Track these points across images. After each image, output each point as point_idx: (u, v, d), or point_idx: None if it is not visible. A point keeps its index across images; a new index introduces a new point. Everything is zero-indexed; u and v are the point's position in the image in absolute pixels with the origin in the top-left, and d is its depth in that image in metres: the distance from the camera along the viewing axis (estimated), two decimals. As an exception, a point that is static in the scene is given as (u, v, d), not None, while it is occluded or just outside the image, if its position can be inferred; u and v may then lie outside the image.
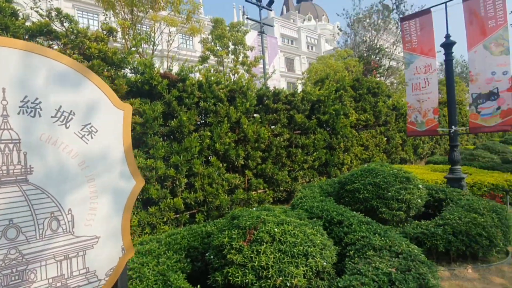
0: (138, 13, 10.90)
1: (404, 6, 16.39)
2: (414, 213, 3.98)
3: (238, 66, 12.46)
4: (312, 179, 6.70)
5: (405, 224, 3.84)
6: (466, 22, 5.11)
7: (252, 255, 2.32)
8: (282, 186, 5.99)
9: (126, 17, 10.87)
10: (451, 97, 5.25)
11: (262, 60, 14.13)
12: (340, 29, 22.21)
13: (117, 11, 10.71)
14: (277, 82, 18.39)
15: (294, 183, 6.24)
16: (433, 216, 3.87)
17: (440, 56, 6.07)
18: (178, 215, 4.46)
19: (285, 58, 43.90)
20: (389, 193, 3.86)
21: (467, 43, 5.14)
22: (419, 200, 3.91)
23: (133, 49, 4.12)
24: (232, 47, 12.90)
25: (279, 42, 44.36)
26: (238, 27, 12.51)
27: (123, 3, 10.63)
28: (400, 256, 2.35)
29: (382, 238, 2.68)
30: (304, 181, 6.54)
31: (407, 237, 3.31)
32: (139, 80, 4.25)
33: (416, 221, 3.73)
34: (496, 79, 4.87)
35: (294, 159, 6.26)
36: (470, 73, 5.14)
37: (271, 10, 15.48)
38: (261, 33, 14.20)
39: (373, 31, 18.12)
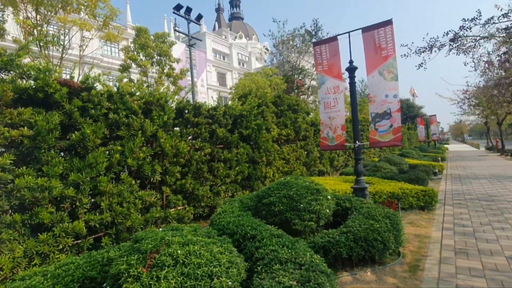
0: (46, 13, 9.71)
1: (321, 33, 18.18)
2: (323, 222, 4.25)
3: (163, 77, 12.01)
4: (235, 193, 6.69)
5: (315, 234, 4.06)
6: (365, 50, 5.86)
7: (151, 282, 2.12)
8: (204, 201, 5.82)
9: (30, 15, 9.58)
10: (355, 115, 5.89)
11: (190, 73, 13.93)
12: (266, 49, 23.43)
13: (19, 8, 9.36)
14: (205, 95, 18.31)
15: (217, 198, 6.14)
16: (341, 224, 4.19)
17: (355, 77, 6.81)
18: (79, 241, 3.92)
19: (217, 72, 44.28)
20: (302, 205, 4.06)
21: (366, 69, 5.88)
22: (327, 210, 4.19)
23: (21, 51, 3.56)
24: (157, 57, 12.42)
25: (211, 57, 44.66)
26: (163, 38, 12.12)
27: (26, 0, 9.35)
28: (303, 267, 2.43)
29: (289, 251, 2.75)
30: (227, 195, 6.48)
31: (315, 247, 3.48)
32: (31, 87, 3.68)
33: (325, 230, 3.98)
34: (388, 101, 5.64)
35: (216, 174, 6.18)
36: (370, 95, 5.86)
37: (199, 25, 15.50)
38: (190, 46, 14.04)
39: (296, 53, 19.56)
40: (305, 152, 9.71)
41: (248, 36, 62.60)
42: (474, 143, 54.85)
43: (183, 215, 5.35)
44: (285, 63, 19.86)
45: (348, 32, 6.02)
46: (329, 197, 4.38)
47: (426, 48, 7.99)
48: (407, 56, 8.37)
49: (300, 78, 19.81)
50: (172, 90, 12.64)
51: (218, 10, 75.24)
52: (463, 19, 7.20)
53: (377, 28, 5.63)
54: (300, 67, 19.50)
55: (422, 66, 8.57)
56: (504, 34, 6.91)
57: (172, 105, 5.43)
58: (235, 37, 56.55)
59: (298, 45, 18.83)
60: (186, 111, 5.60)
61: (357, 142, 5.75)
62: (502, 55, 11.37)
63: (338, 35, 6.17)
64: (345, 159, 13.25)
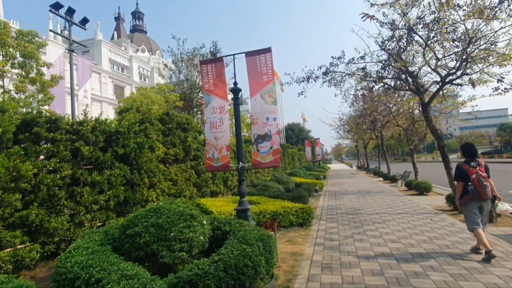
0: None
1: (219, 55, 18.61)
2: (197, 251, 3.91)
3: (26, 83, 9.90)
4: (108, 221, 5.73)
5: (185, 265, 3.68)
6: (248, 74, 6.04)
7: None
8: (59, 235, 4.73)
9: None
10: (239, 136, 5.92)
11: (70, 81, 11.96)
12: (165, 65, 22.55)
13: None
14: (89, 107, 16.06)
15: (78, 229, 5.10)
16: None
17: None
18: None
19: (114, 85, 40.27)
20: (172, 234, 3.63)
21: (250, 91, 6.06)
22: (202, 237, 3.89)
23: None
24: (20, 59, 10.23)
25: (108, 68, 40.37)
26: (29, 36, 10.11)
27: None
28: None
29: (137, 296, 2.29)
30: (94, 225, 5.48)
31: (180, 282, 3.10)
32: None
33: (196, 260, 3.64)
34: (269, 124, 5.89)
35: (79, 200, 5.17)
36: (253, 117, 6.02)
37: (84, 29, 13.66)
38: (70, 51, 12.15)
39: (196, 72, 19.38)
40: (196, 173, 9.33)
41: (152, 51, 59.70)
42: (349, 163, 65.12)
43: (24, 256, 4.18)
44: (184, 81, 19.45)
45: (233, 55, 6.13)
46: (204, 222, 4.10)
47: (305, 78, 8.95)
48: (290, 84, 9.19)
49: (200, 97, 19.66)
50: (39, 98, 10.54)
51: (118, 19, 69.53)
52: (332, 57, 8.43)
53: (259, 54, 5.90)
54: (200, 86, 19.43)
55: (302, 94, 9.51)
56: (362, 73, 8.35)
57: (15, 116, 4.31)
58: (137, 50, 53.17)
59: (198, 64, 18.75)
60: (36, 125, 4.53)
61: (240, 163, 5.75)
62: (362, 91, 13.84)
63: (224, 56, 6.22)
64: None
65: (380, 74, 8.18)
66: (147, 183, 6.84)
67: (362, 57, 8.53)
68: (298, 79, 8.99)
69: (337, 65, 8.58)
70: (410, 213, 8.26)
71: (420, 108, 9.62)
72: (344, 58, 8.41)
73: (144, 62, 48.87)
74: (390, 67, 8.35)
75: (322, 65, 8.75)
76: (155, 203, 4.76)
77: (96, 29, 40.57)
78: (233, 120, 6.57)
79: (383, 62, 7.99)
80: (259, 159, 5.82)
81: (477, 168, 4.52)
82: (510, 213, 6.31)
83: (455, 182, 4.99)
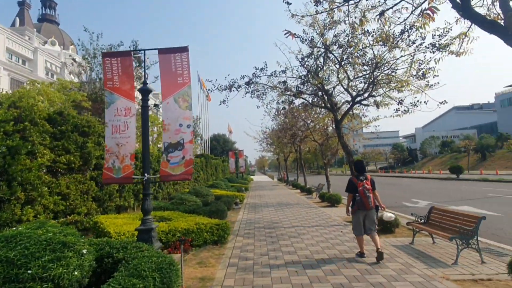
0: None
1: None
2: (71, 290, 3.00)
3: None
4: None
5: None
6: (161, 74, 5.34)
7: None
8: None
9: None
10: (146, 144, 5.12)
11: None
12: (74, 59, 19.72)
13: None
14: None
15: None
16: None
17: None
18: None
19: (11, 78, 33.66)
20: (30, 271, 2.67)
21: (162, 93, 5.35)
22: (77, 273, 2.99)
23: None
24: None
25: (3, 58, 33.43)
26: None
27: None
28: None
29: None
30: None
31: None
32: None
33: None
34: (182, 131, 5.26)
35: None
36: (163, 122, 5.31)
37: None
38: None
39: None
40: (98, 185, 7.96)
41: (64, 45, 52.27)
42: (271, 175, 67.65)
43: None
44: (96, 80, 17.17)
45: (144, 50, 5.36)
46: (84, 251, 3.20)
47: (227, 87, 8.62)
48: (211, 91, 8.73)
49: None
50: None
51: (23, 4, 59.23)
52: (255, 67, 8.33)
53: (174, 53, 5.27)
54: None
55: (224, 103, 9.14)
56: (283, 87, 8.45)
57: None
58: (45, 42, 45.94)
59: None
60: None
61: (146, 174, 4.94)
62: (283, 104, 14.34)
63: (132, 51, 5.41)
64: (153, 190, 12.20)
65: (299, 89, 8.39)
66: (22, 199, 5.39)
67: (284, 71, 8.66)
68: (220, 86, 8.61)
69: (260, 77, 8.51)
70: (323, 225, 8.51)
71: (334, 125, 10.25)
72: (266, 70, 8.40)
73: (52, 57, 42.46)
74: (309, 83, 8.66)
75: (245, 75, 8.57)
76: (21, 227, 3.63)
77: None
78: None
79: (302, 78, 8.24)
80: (168, 170, 5.10)
81: (364, 182, 5.22)
82: (394, 219, 7.23)
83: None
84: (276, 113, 15.75)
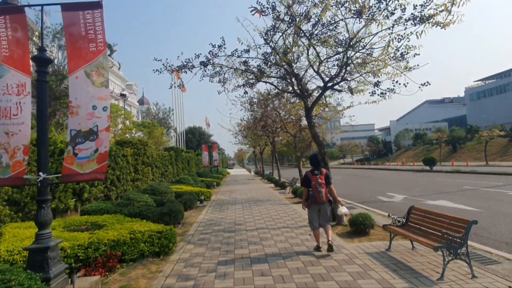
0: None
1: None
2: None
3: None
4: None
5: None
6: (66, 39, 3.99)
7: None
8: None
9: None
10: (43, 131, 3.79)
11: None
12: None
13: None
14: None
15: None
16: None
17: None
18: None
19: None
20: None
21: (68, 66, 4.01)
22: None
23: None
24: None
25: None
26: None
27: None
28: None
29: None
30: None
31: None
32: None
33: None
34: (97, 115, 3.97)
35: None
36: (70, 103, 3.97)
37: None
38: None
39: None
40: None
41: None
42: (248, 168, 66.74)
43: None
44: None
45: (42, 5, 3.98)
46: None
47: (179, 67, 7.31)
48: (160, 72, 7.37)
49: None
50: None
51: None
52: (211, 44, 7.06)
53: (83, 9, 3.93)
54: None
55: (175, 86, 7.84)
56: (243, 67, 7.25)
57: None
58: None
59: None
60: None
61: (41, 173, 3.63)
62: (243, 88, 13.16)
63: (27, 5, 4.00)
64: (104, 188, 10.70)
65: (261, 69, 7.21)
66: None
67: (247, 51, 7.43)
68: (170, 67, 7.27)
69: (217, 55, 7.24)
70: (291, 227, 7.50)
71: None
72: (225, 48, 7.14)
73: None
74: (274, 65, 7.51)
75: (200, 54, 7.28)
76: None
77: None
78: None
79: (265, 56, 7.05)
80: (74, 167, 3.80)
81: (318, 176, 5.26)
82: (345, 214, 7.16)
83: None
84: (247, 102, 14.54)
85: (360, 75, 7.25)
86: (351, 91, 8.06)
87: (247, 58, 7.27)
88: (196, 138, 50.44)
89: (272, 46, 6.95)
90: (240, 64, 7.33)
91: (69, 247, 4.44)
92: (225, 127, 40.71)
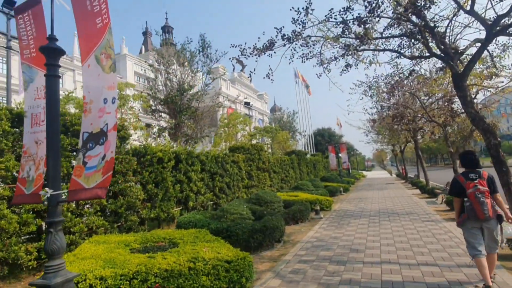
0: None
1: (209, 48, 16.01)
2: None
3: None
4: None
5: None
6: (76, 18, 3.20)
7: None
8: None
9: None
10: (54, 137, 3.06)
11: (6, 84, 10.18)
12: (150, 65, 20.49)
13: None
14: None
15: None
16: None
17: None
18: None
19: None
20: None
21: (81, 53, 3.20)
22: None
23: None
24: None
25: (133, 80, 40.26)
26: None
27: None
28: None
29: None
30: None
31: None
32: None
33: None
34: (107, 110, 2.97)
35: None
36: (84, 99, 3.14)
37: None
38: (8, 48, 10.40)
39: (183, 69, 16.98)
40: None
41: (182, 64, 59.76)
42: (389, 170, 58.65)
43: None
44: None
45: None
46: None
47: (263, 48, 5.84)
48: (247, 57, 6.09)
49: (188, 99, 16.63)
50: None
51: (145, 33, 71.45)
52: (293, 8, 5.23)
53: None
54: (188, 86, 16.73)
55: (268, 77, 6.43)
56: (340, 25, 5.04)
57: None
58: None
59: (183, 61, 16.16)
60: None
61: (47, 189, 2.87)
62: (390, 80, 10.19)
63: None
64: (213, 196, 10.46)
65: (366, 22, 4.71)
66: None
67: (347, 9, 5.19)
68: (254, 50, 5.91)
69: (305, 26, 5.35)
70: (441, 264, 4.67)
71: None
72: (312, 12, 5.16)
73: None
74: (393, 17, 4.94)
75: (283, 27, 5.60)
76: None
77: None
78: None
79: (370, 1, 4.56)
80: (81, 181, 2.89)
81: (476, 181, 3.80)
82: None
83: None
84: (374, 85, 11.50)
85: None
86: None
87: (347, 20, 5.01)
88: (326, 140, 48.17)
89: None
90: (336, 24, 5.16)
91: (111, 277, 3.63)
92: (354, 125, 36.68)
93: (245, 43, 6.02)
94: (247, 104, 25.17)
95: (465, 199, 3.84)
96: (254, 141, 21.89)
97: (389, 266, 4.82)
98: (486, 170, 3.96)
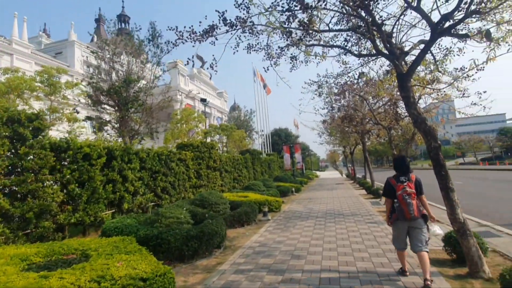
0: None
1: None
2: None
3: None
4: None
5: None
6: None
7: None
8: None
9: None
10: None
11: None
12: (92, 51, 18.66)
13: None
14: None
15: None
16: None
17: None
18: None
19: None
20: None
21: None
22: None
23: None
24: None
25: (81, 70, 36.69)
26: None
27: None
28: None
29: None
30: None
31: None
32: None
33: None
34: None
35: None
36: None
37: None
38: None
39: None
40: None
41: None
42: (340, 170, 61.44)
43: None
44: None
45: None
46: None
47: (203, 32, 5.22)
48: (183, 42, 5.41)
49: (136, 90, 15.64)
50: None
51: (99, 21, 65.94)
52: (235, -8, 4.73)
53: None
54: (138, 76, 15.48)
55: (212, 68, 5.80)
56: (284, 14, 4.66)
57: None
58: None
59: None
60: None
61: None
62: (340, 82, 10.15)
63: None
64: (154, 197, 9.56)
65: (312, 7, 4.34)
66: None
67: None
68: (191, 34, 5.26)
69: (249, 9, 4.86)
70: (380, 272, 4.47)
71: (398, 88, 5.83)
72: (258, -6, 4.68)
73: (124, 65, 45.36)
74: (339, 10, 4.64)
75: (225, 10, 5.04)
76: None
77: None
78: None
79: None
80: None
81: (405, 184, 4.11)
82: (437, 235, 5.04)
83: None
84: (325, 87, 11.48)
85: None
86: (487, 36, 4.54)
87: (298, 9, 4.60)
88: (283, 140, 48.81)
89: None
90: (281, 15, 4.75)
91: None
92: (308, 126, 37.51)
93: (184, 27, 5.34)
94: (203, 100, 24.15)
95: (395, 200, 4.19)
96: (209, 139, 21.05)
97: (328, 275, 4.51)
98: (414, 174, 4.26)
